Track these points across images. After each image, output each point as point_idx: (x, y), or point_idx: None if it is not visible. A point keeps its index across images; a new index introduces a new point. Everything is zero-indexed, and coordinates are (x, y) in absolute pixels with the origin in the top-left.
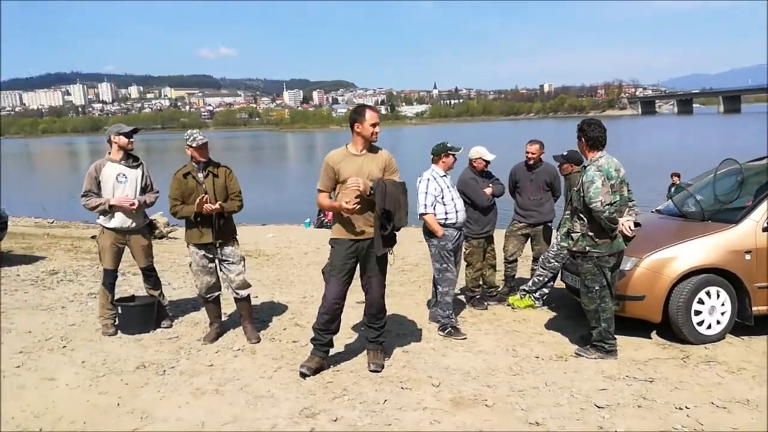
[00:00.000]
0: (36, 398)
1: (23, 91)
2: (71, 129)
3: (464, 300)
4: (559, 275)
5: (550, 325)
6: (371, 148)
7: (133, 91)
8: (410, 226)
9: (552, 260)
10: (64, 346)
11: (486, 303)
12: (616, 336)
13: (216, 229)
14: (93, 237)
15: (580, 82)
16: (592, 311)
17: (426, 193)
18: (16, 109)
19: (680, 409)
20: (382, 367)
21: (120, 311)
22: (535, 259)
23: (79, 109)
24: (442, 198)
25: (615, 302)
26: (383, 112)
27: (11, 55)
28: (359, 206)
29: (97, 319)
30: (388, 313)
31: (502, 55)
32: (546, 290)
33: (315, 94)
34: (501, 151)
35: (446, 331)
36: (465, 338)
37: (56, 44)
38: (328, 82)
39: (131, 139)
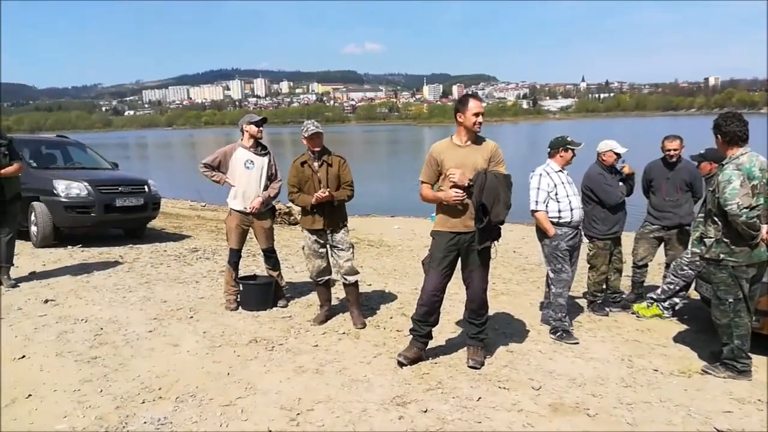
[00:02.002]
0: (161, 361)
1: (190, 86)
2: (229, 121)
3: (584, 304)
4: (693, 284)
5: (678, 338)
6: (476, 139)
7: (284, 86)
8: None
9: (685, 267)
10: (191, 317)
11: (607, 309)
12: (752, 355)
13: (327, 216)
14: None
15: (752, 74)
16: (724, 326)
17: (538, 189)
18: (184, 103)
19: None
20: (482, 364)
21: (241, 288)
22: (668, 266)
23: (237, 102)
24: (556, 194)
25: (755, 318)
26: (524, 106)
27: (182, 53)
28: (461, 198)
29: (222, 295)
30: (500, 311)
31: (659, 46)
32: (677, 300)
33: (455, 89)
34: (649, 149)
35: (557, 334)
36: (576, 343)
37: (220, 43)
38: (469, 76)
39: (261, 128)
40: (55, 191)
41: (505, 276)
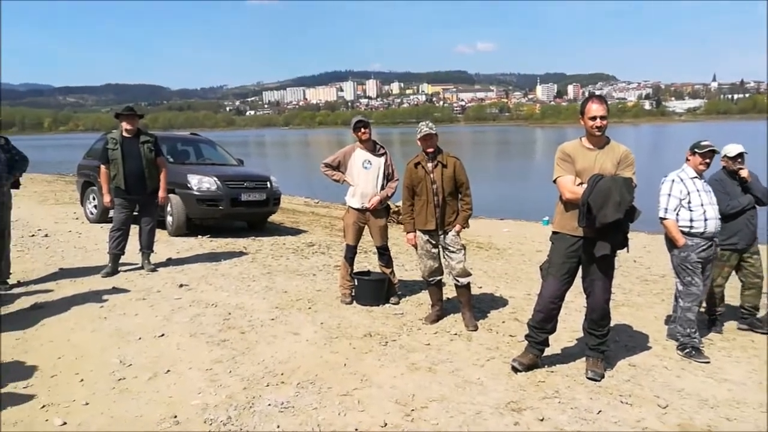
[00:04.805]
0: (283, 347)
1: (306, 88)
2: (341, 122)
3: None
4: None
5: None
6: (606, 142)
7: (395, 87)
8: (659, 233)
9: None
10: (310, 308)
11: (720, 326)
12: None
13: (440, 216)
14: None
15: None
16: None
17: (669, 195)
18: (300, 103)
19: None
20: (602, 377)
21: (356, 283)
22: None
23: (349, 103)
24: (689, 202)
25: None
26: (646, 107)
27: (300, 55)
28: None
29: (337, 288)
30: (621, 323)
31: None
32: None
33: (570, 88)
34: None
35: (685, 351)
36: (707, 362)
37: (336, 45)
38: (586, 75)
39: (363, 129)
40: (188, 185)
41: (625, 286)
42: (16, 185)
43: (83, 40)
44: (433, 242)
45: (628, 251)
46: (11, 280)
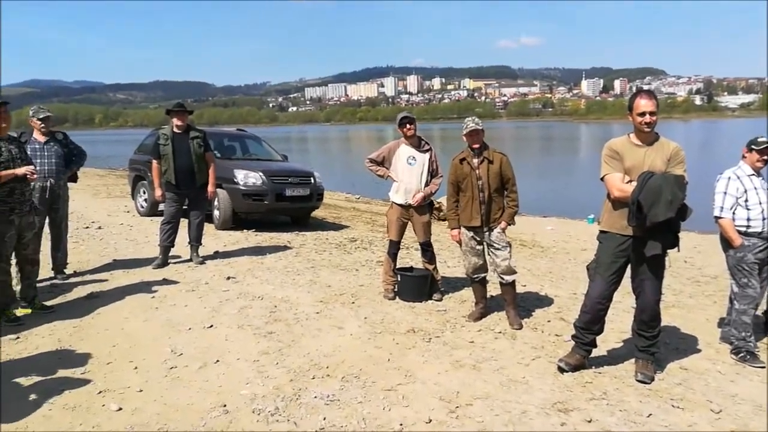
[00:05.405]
0: (327, 341)
1: (348, 84)
2: (381, 117)
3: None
4: None
5: None
6: (655, 139)
7: (436, 83)
8: (710, 232)
9: None
10: (353, 302)
11: None
12: None
13: (485, 213)
14: None
15: None
16: None
17: (724, 193)
18: (341, 100)
19: None
20: (652, 379)
21: (399, 279)
22: None
23: (389, 99)
24: (746, 201)
25: None
26: (697, 102)
27: (342, 52)
28: None
29: (380, 284)
30: (671, 325)
31: None
32: None
33: (617, 83)
34: None
35: (740, 356)
36: (763, 367)
37: (377, 41)
38: (633, 69)
39: (408, 126)
40: (235, 180)
41: (675, 287)
42: (74, 179)
43: (132, 38)
44: (478, 239)
45: (678, 251)
46: (68, 270)
